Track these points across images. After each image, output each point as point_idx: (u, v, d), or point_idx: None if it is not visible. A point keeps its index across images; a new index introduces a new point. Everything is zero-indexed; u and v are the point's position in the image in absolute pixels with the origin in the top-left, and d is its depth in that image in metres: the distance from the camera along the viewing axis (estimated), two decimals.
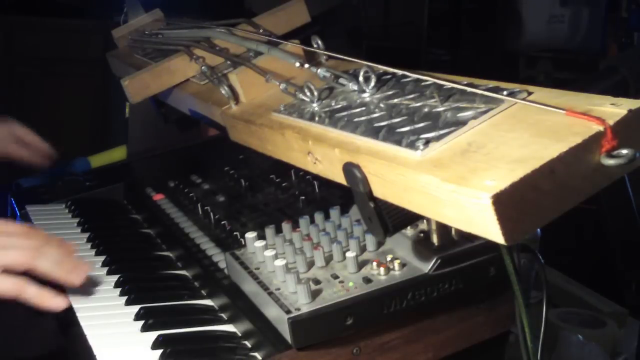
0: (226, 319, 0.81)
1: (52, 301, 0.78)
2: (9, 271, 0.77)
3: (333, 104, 0.64)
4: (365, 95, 0.62)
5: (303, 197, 1.00)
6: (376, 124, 0.56)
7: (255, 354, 0.73)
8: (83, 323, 0.81)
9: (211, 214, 1.02)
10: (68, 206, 1.20)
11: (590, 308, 1.02)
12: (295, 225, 0.85)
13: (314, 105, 0.66)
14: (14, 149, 0.96)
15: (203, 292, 0.89)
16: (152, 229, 1.11)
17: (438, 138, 0.49)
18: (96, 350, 0.75)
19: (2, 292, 0.76)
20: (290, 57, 0.74)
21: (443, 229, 0.67)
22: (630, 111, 0.44)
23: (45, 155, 1.01)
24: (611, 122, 0.43)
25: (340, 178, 0.56)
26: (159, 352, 0.73)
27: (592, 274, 1.20)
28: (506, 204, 0.40)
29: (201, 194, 1.12)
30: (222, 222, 0.98)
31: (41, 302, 0.78)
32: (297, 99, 0.69)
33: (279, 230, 0.85)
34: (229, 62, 0.88)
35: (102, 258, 0.98)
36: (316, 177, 0.80)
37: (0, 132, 1.00)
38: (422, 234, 0.75)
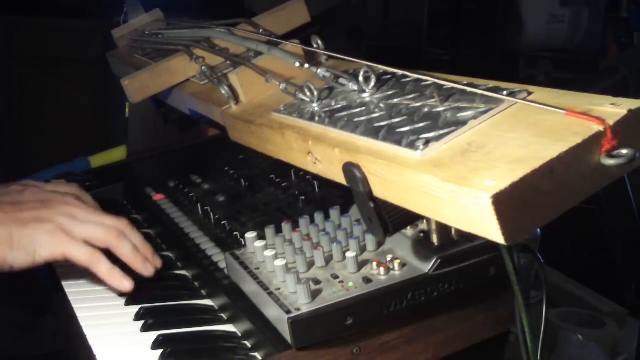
0: (226, 319, 0.81)
1: (120, 281, 0.84)
2: (90, 243, 0.84)
3: (333, 104, 0.64)
4: (365, 95, 0.62)
5: (303, 197, 1.00)
6: (376, 124, 0.56)
7: (255, 354, 0.73)
8: (83, 323, 0.81)
9: (211, 214, 1.02)
10: None
11: (590, 308, 1.02)
12: (295, 225, 0.85)
13: (314, 105, 0.66)
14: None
15: (203, 292, 0.89)
16: (152, 229, 1.11)
17: (438, 138, 0.49)
18: (96, 350, 0.75)
19: (77, 259, 0.83)
20: (290, 57, 0.74)
21: (443, 229, 0.67)
22: (630, 111, 0.44)
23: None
24: (611, 122, 0.43)
25: (340, 178, 0.56)
26: (159, 352, 0.73)
27: (592, 274, 1.20)
28: (506, 204, 0.40)
29: (201, 194, 1.12)
30: (222, 222, 0.98)
31: (110, 279, 0.84)
32: (297, 99, 0.69)
33: (279, 230, 0.85)
34: (229, 62, 0.88)
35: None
36: (316, 177, 0.80)
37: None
38: (422, 234, 0.75)
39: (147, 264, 0.87)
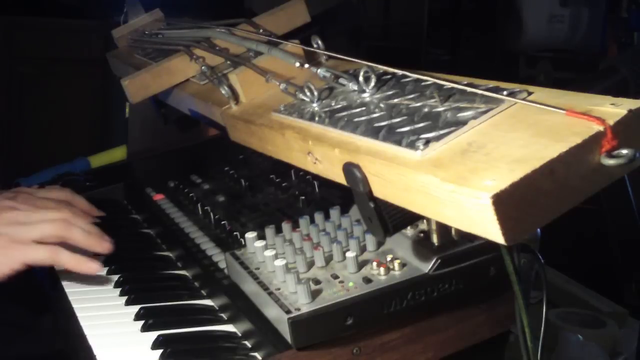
0: (226, 319, 0.81)
1: (87, 265, 0.84)
2: (43, 242, 0.84)
3: (333, 104, 0.64)
4: (365, 95, 0.62)
5: (303, 197, 1.00)
6: (376, 124, 0.55)
7: (255, 354, 0.73)
8: (83, 323, 0.81)
9: (211, 214, 1.02)
10: None
11: (590, 308, 1.02)
12: (295, 225, 0.85)
13: (314, 105, 0.66)
14: None
15: (203, 292, 0.89)
16: (152, 229, 1.11)
17: (438, 138, 0.49)
18: (96, 350, 0.75)
19: (39, 260, 0.83)
20: (290, 57, 0.74)
21: (443, 229, 0.67)
22: (630, 111, 0.44)
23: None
24: (611, 122, 0.43)
25: (340, 178, 0.56)
26: (159, 352, 0.73)
27: (592, 274, 1.20)
28: (506, 203, 0.40)
29: (201, 194, 1.12)
30: (222, 222, 0.98)
31: (77, 266, 0.84)
32: (297, 99, 0.69)
33: (279, 230, 0.85)
34: (229, 62, 0.88)
35: (102, 258, 0.98)
36: (316, 177, 0.80)
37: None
38: (422, 234, 0.75)
39: (103, 243, 0.88)
